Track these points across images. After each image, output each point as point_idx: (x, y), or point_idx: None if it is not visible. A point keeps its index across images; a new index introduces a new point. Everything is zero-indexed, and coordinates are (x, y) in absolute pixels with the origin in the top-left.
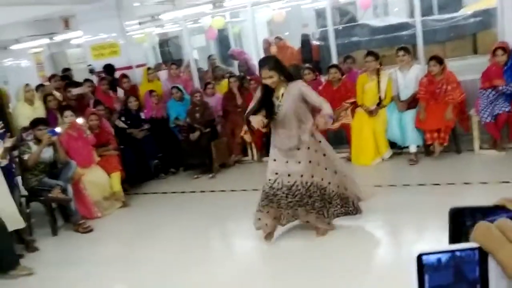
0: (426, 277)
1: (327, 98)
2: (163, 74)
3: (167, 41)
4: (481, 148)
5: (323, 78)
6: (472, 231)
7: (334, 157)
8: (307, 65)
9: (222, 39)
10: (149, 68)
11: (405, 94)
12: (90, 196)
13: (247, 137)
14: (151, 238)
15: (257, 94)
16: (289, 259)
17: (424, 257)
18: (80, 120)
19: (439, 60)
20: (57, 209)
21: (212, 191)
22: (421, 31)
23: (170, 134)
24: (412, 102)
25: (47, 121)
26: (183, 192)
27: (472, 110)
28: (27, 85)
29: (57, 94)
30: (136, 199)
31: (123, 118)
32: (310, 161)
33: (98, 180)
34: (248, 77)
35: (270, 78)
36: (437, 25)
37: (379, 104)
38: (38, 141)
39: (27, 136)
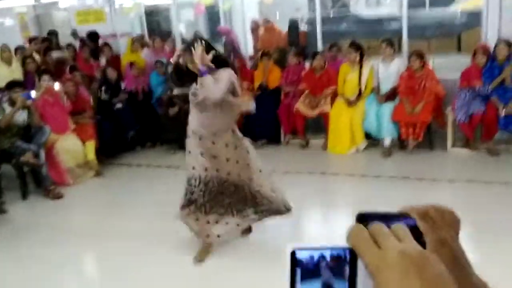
0: (298, 273)
1: (308, 84)
2: (146, 52)
3: (155, 12)
4: (453, 146)
5: (306, 64)
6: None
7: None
8: (293, 49)
9: (212, 15)
10: (133, 39)
11: (385, 87)
12: (63, 162)
13: None
14: (121, 209)
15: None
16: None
17: (297, 252)
18: (56, 86)
19: (420, 56)
20: (28, 173)
21: None
22: (407, 25)
23: (150, 107)
24: (391, 95)
25: (23, 84)
26: (158, 166)
27: (449, 108)
28: (4, 45)
29: (37, 57)
30: (111, 170)
31: (103, 88)
32: (227, 159)
33: (72, 147)
34: (233, 57)
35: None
36: (424, 21)
37: (359, 95)
38: (13, 103)
39: (2, 98)
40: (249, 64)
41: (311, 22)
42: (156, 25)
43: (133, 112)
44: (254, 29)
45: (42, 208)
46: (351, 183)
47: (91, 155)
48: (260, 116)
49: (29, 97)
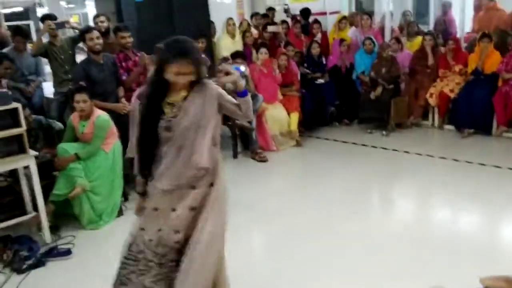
0: None
1: None
2: (353, 30)
3: None
4: None
5: None
6: None
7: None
8: None
9: None
10: (344, 17)
11: None
12: (270, 129)
13: (432, 101)
14: (316, 179)
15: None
16: None
17: None
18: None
19: None
20: (239, 135)
21: (384, 148)
22: None
23: (351, 85)
24: None
25: (245, 55)
26: (354, 144)
27: None
28: (230, 18)
29: (254, 31)
30: (309, 141)
31: (305, 64)
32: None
33: (278, 116)
34: (446, 38)
35: (188, 75)
36: None
37: None
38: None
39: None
40: (463, 45)
41: None
42: (360, 3)
43: (334, 88)
44: (477, 6)
45: (249, 168)
46: None
47: (294, 126)
48: (470, 103)
49: (238, 69)
